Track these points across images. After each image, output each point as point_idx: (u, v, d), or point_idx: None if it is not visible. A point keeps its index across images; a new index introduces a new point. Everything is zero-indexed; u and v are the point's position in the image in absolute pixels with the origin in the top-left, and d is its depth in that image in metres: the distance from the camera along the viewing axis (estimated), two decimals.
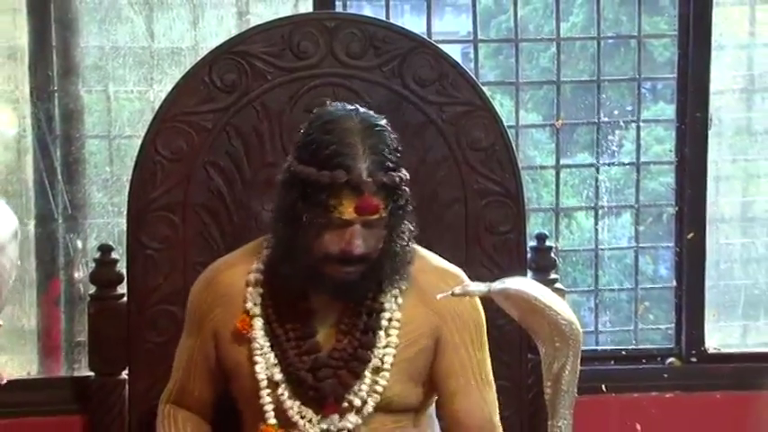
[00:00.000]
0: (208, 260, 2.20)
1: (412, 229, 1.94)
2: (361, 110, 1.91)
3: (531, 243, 2.47)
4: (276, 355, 1.96)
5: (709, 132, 2.86)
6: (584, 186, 2.99)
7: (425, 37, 2.58)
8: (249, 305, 1.98)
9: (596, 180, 2.95)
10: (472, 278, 1.97)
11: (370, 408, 1.95)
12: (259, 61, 2.34)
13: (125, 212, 2.38)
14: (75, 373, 2.77)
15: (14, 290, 2.70)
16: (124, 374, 2.41)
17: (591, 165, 2.96)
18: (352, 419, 1.94)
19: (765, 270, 3.03)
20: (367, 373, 1.94)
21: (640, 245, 2.98)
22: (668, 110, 2.99)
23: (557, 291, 2.07)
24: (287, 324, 1.96)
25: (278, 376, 1.95)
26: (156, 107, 2.42)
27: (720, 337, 2.98)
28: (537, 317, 1.57)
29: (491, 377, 2.05)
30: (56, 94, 2.78)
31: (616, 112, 2.96)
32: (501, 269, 2.33)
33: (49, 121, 2.78)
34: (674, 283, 2.92)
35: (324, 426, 1.95)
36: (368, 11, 3.07)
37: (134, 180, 2.35)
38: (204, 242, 2.35)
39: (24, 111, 2.78)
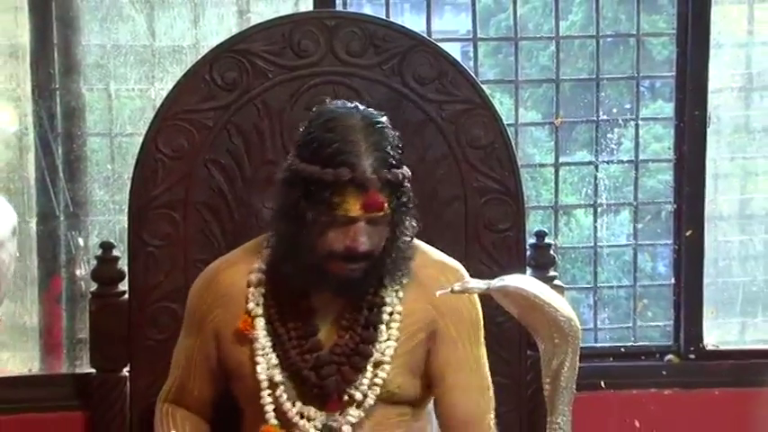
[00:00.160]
0: (209, 257, 2.21)
1: (414, 225, 1.93)
2: (362, 107, 1.91)
3: (531, 240, 2.47)
4: (278, 355, 1.95)
5: (708, 130, 2.86)
6: (583, 184, 2.99)
7: (425, 35, 2.57)
8: (251, 305, 1.97)
9: (595, 178, 2.95)
10: (471, 275, 1.98)
11: (371, 401, 1.94)
12: (260, 59, 2.34)
13: (126, 210, 2.38)
14: (77, 370, 2.77)
15: (16, 287, 2.72)
16: (125, 371, 2.41)
17: (590, 162, 2.96)
18: (353, 413, 1.94)
19: (763, 267, 3.03)
20: (368, 366, 1.94)
21: (639, 242, 2.98)
22: (667, 108, 2.99)
23: (556, 288, 2.07)
24: (289, 323, 1.96)
25: (278, 377, 1.95)
26: (158, 105, 2.43)
27: (719, 334, 2.98)
28: (536, 314, 1.58)
29: (487, 373, 2.05)
30: (57, 92, 2.79)
31: (615, 111, 2.96)
32: (500, 266, 2.33)
33: (51, 119, 2.78)
34: (673, 281, 2.92)
35: (327, 422, 1.94)
36: (368, 9, 3.07)
37: (135, 178, 2.35)
38: (205, 240, 2.35)
39: (26, 109, 2.78)
